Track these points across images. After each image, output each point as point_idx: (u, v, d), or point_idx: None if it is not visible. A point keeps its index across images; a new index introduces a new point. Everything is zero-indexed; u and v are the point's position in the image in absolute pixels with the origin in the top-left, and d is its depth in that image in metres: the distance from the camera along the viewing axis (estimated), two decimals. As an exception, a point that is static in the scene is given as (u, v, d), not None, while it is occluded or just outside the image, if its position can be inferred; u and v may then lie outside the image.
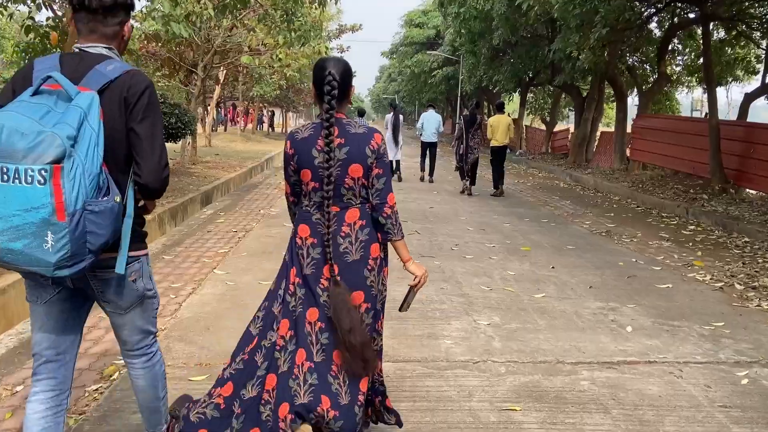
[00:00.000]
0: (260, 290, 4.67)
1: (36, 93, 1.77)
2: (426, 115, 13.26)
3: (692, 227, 8.16)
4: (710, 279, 5.41)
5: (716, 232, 7.87)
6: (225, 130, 32.79)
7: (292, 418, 2.17)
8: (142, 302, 2.08)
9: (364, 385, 2.25)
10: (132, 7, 2.01)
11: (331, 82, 2.19)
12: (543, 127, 26.90)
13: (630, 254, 6.44)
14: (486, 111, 34.65)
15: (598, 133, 18.92)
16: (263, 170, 16.14)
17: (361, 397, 2.23)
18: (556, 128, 23.28)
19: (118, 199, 1.81)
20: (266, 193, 10.69)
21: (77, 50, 1.94)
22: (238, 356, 2.36)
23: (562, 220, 8.63)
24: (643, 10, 9.78)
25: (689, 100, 29.00)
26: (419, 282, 2.39)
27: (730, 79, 17.31)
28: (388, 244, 2.37)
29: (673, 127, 13.38)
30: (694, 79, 19.19)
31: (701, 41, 16.88)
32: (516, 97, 31.49)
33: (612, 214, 9.18)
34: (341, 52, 32.55)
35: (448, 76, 28.33)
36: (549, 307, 4.47)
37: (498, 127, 11.20)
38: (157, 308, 2.19)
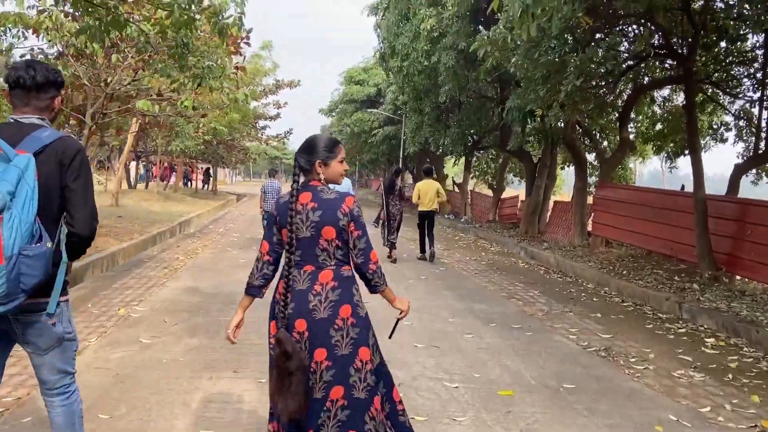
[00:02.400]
0: None
1: None
2: None
3: (711, 339, 6.12)
4: (823, 473, 3.26)
5: (745, 348, 5.85)
6: (146, 187, 29.75)
7: None
8: (61, 344, 2.26)
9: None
10: (62, 84, 2.33)
11: (296, 155, 2.63)
12: (489, 192, 25.44)
13: (660, 401, 4.25)
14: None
15: (551, 202, 17.33)
16: (172, 236, 13.47)
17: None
18: (504, 194, 21.70)
19: (49, 245, 2.09)
20: (149, 275, 8.07)
21: (12, 120, 2.26)
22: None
23: (538, 324, 6.44)
24: (622, 59, 8.18)
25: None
26: (404, 314, 2.80)
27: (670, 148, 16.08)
28: (372, 330, 2.64)
29: (644, 199, 11.74)
30: (649, 148, 18.10)
31: (662, 105, 15.89)
32: (460, 159, 30.22)
33: (598, 315, 7.09)
34: (278, 108, 30.76)
35: (390, 136, 26.65)
36: None
37: (427, 192, 10.84)
38: (75, 350, 2.36)
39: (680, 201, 10.55)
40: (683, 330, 6.55)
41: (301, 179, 2.59)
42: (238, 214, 21.43)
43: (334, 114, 33.92)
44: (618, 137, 18.45)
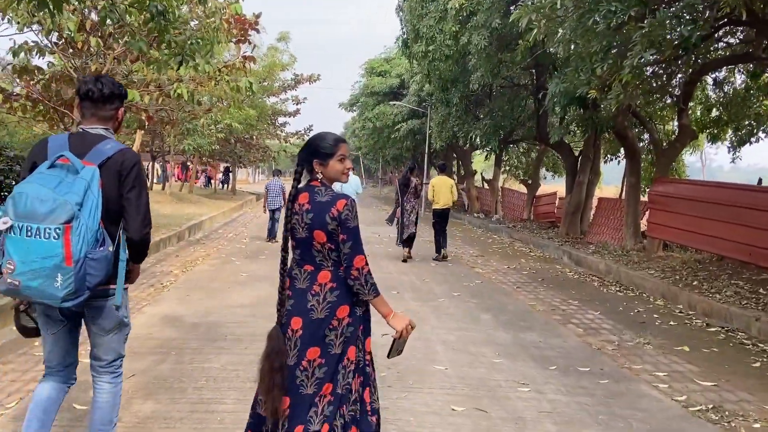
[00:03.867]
0: None
1: (51, 166, 2.35)
2: None
3: None
4: None
5: None
6: (163, 188, 28.75)
7: None
8: (120, 327, 2.64)
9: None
10: (125, 96, 2.64)
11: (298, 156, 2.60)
12: (521, 188, 23.76)
13: None
14: (456, 170, 31.53)
15: (595, 200, 15.64)
16: (179, 241, 12.27)
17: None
18: (539, 191, 20.00)
19: (111, 249, 2.40)
20: (129, 296, 6.74)
21: (81, 130, 2.55)
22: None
23: (611, 364, 4.92)
24: (700, 24, 6.55)
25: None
26: (402, 335, 2.52)
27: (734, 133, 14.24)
28: (371, 318, 2.60)
29: (713, 196, 10.06)
30: (705, 135, 16.25)
31: (719, 88, 14.09)
32: (491, 154, 28.48)
33: (684, 348, 5.53)
34: (297, 104, 29.46)
35: (414, 130, 25.05)
36: None
37: (441, 189, 10.61)
38: (128, 334, 2.73)
39: (761, 198, 8.87)
40: (804, 371, 4.95)
41: (305, 179, 2.61)
42: (253, 215, 20.18)
43: (355, 108, 32.43)
44: (666, 125, 16.79)
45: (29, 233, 2.21)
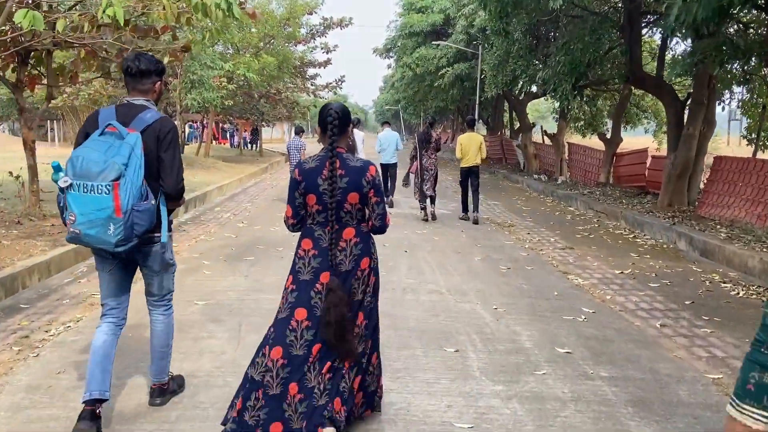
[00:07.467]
0: None
1: (102, 134, 2.78)
2: (383, 135, 12.19)
3: None
4: None
5: None
6: (182, 151, 26.03)
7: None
8: (167, 267, 3.12)
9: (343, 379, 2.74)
10: (163, 71, 3.05)
11: (333, 114, 2.75)
12: (589, 143, 19.82)
13: None
14: (509, 123, 27.55)
15: (709, 159, 11.80)
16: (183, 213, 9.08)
17: (342, 384, 2.73)
18: (621, 147, 16.08)
19: (153, 202, 2.83)
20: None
21: (126, 101, 2.99)
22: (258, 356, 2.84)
23: None
24: None
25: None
26: None
27: None
28: (378, 264, 2.99)
29: None
30: None
31: None
32: (540, 102, 24.36)
33: None
34: (327, 53, 25.88)
35: (461, 75, 21.07)
36: None
37: (469, 147, 10.18)
38: (174, 272, 3.22)
39: None
40: None
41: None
42: (270, 183, 17.01)
43: (391, 54, 28.47)
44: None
45: (85, 190, 2.67)
